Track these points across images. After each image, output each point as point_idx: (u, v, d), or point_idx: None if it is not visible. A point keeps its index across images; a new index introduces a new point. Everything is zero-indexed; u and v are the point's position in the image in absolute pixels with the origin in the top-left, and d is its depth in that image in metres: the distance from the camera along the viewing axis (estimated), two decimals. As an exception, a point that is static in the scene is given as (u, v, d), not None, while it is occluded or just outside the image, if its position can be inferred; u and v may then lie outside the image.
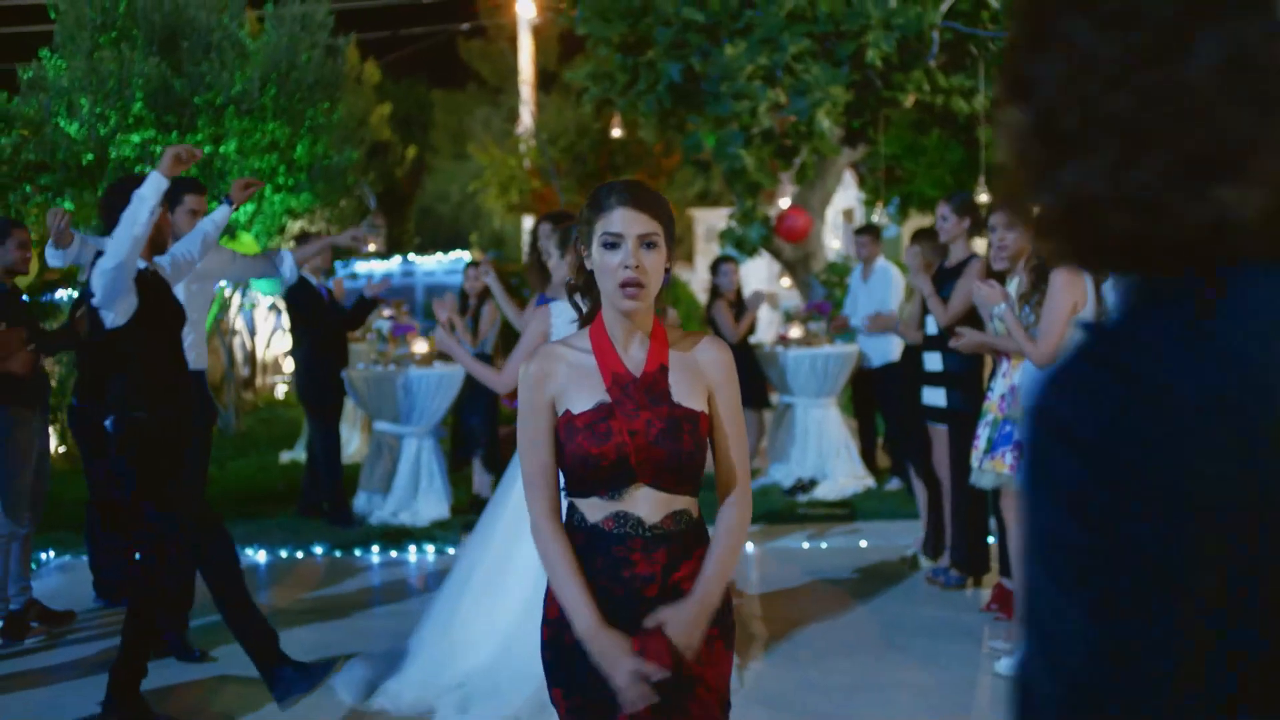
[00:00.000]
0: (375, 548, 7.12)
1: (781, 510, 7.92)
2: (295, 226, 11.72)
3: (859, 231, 8.70)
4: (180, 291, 4.86)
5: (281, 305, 14.25)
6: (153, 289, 4.43)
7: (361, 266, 15.71)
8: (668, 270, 2.29)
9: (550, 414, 2.27)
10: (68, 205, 8.92)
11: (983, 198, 8.65)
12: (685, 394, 2.27)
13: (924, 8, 9.77)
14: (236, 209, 5.03)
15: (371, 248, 9.43)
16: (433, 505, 7.84)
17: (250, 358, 14.90)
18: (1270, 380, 0.84)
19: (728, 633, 2.32)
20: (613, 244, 2.21)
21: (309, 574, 6.70)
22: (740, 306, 8.85)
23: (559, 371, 2.28)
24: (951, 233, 5.86)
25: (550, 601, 2.30)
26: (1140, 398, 0.83)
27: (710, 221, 22.71)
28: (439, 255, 18.53)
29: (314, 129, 10.51)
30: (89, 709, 4.43)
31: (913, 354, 6.35)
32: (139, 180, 4.37)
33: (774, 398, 9.32)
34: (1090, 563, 0.82)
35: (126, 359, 4.39)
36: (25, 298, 5.99)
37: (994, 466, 4.97)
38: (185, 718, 4.48)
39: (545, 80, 24.48)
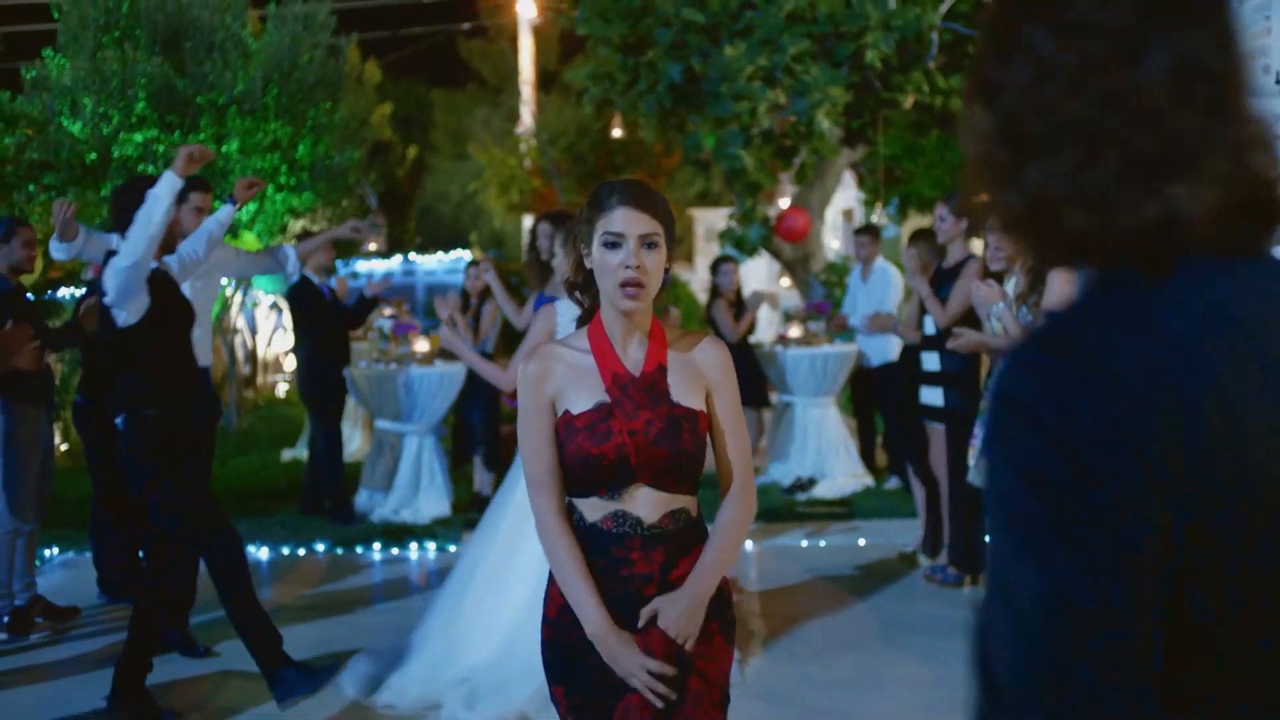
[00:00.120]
0: (376, 545, 7.16)
1: (781, 509, 7.94)
2: (297, 226, 11.75)
3: (858, 232, 8.72)
4: (186, 288, 4.89)
5: (283, 304, 14.29)
6: (163, 288, 4.46)
7: (362, 266, 15.72)
8: (668, 270, 2.29)
9: (550, 413, 2.27)
10: (72, 203, 8.94)
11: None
12: (684, 393, 2.27)
13: (923, 9, 9.81)
14: (240, 208, 5.06)
15: (372, 246, 9.47)
16: (434, 503, 7.88)
17: (251, 356, 14.92)
18: (1211, 361, 0.90)
19: (728, 628, 2.32)
20: (614, 243, 2.21)
21: (310, 571, 6.74)
22: (740, 306, 8.88)
23: (557, 371, 2.27)
24: (949, 233, 5.89)
25: (550, 600, 2.30)
26: (1092, 380, 0.89)
27: (710, 221, 22.69)
28: (439, 255, 18.53)
29: (316, 129, 10.53)
30: (94, 704, 4.46)
31: (911, 354, 6.38)
32: (150, 180, 4.39)
33: (773, 397, 9.34)
34: (1048, 535, 0.88)
35: (137, 357, 4.42)
36: (30, 295, 6.03)
37: (991, 465, 4.99)
38: (189, 712, 4.50)
39: (545, 80, 24.52)
